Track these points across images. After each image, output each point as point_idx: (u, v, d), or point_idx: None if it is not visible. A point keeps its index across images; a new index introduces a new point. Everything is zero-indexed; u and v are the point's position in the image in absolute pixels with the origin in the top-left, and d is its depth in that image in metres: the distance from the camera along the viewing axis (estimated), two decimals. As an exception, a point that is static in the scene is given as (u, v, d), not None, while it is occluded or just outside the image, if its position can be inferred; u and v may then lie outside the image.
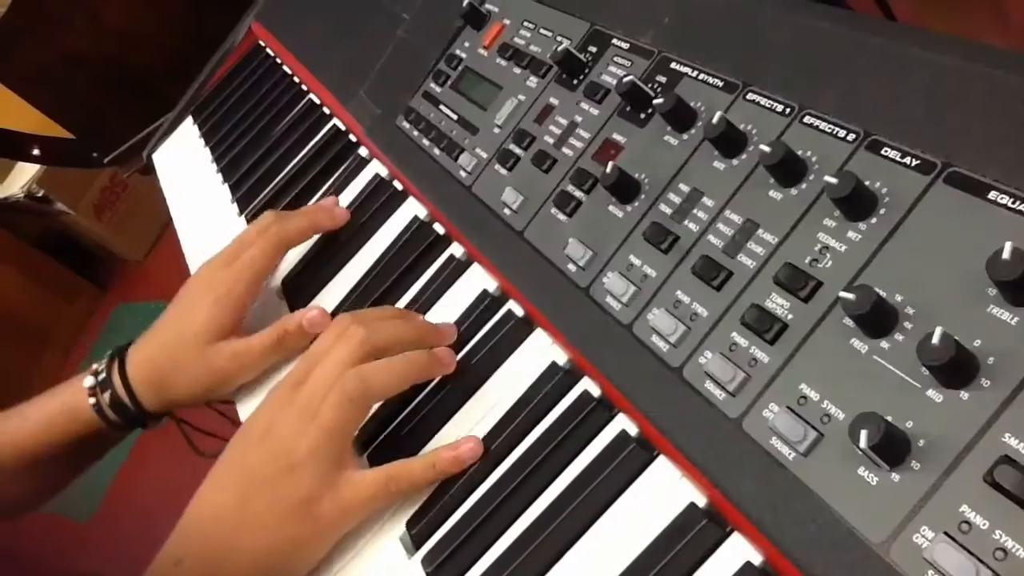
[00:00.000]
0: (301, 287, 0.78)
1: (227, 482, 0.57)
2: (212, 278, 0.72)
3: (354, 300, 0.73)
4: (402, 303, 0.69)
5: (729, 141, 0.48)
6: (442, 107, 0.73)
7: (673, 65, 0.55)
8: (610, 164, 0.53)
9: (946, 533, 0.33)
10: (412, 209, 0.74)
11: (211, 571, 0.54)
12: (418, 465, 0.56)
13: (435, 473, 0.55)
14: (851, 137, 0.43)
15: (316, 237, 0.80)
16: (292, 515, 0.53)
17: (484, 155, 0.66)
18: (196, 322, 0.69)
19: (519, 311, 0.60)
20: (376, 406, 0.62)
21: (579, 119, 0.59)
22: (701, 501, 0.44)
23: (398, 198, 0.76)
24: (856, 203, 0.41)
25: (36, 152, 1.65)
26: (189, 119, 1.22)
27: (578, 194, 0.57)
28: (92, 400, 0.71)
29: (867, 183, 0.41)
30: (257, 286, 0.73)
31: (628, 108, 0.56)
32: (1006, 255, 0.33)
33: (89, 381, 0.72)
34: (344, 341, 0.58)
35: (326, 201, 0.81)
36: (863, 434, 0.35)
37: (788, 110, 0.47)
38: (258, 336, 0.70)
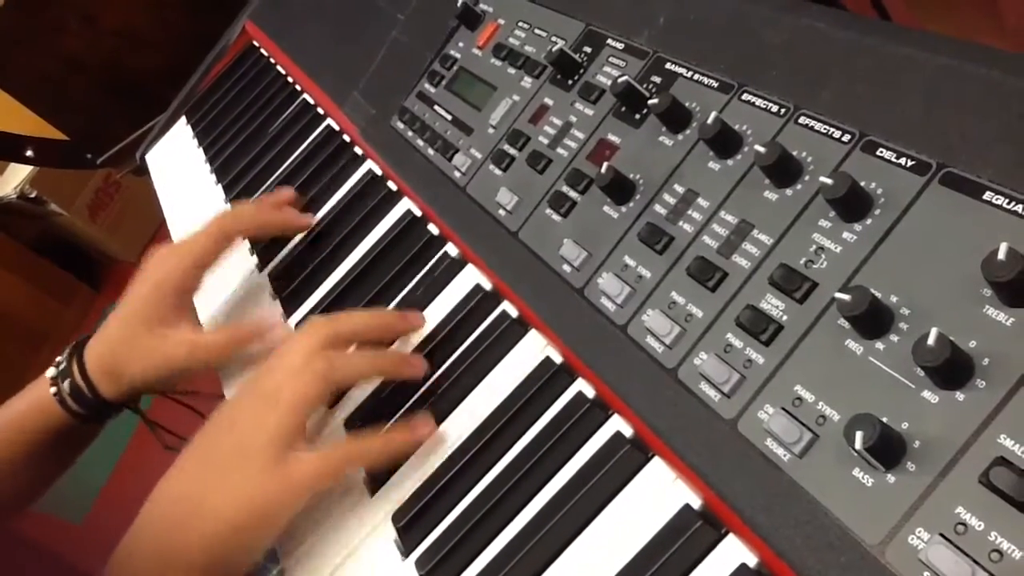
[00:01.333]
0: (295, 288, 0.78)
1: (187, 468, 0.58)
2: (153, 267, 0.74)
3: (347, 299, 0.72)
4: (395, 303, 0.69)
5: (724, 142, 0.48)
6: (436, 107, 0.73)
7: (668, 65, 0.54)
8: (605, 164, 0.53)
9: (942, 535, 0.33)
10: (406, 209, 0.74)
11: (163, 556, 0.55)
12: (372, 441, 0.57)
13: (390, 450, 0.57)
14: (846, 138, 0.43)
15: (311, 238, 0.80)
16: (242, 498, 0.54)
17: (479, 155, 0.66)
18: (137, 307, 0.71)
19: (513, 312, 0.59)
20: (370, 407, 0.62)
21: (574, 119, 0.59)
22: (696, 502, 0.44)
23: (392, 199, 0.76)
24: (851, 204, 0.40)
25: (29, 153, 1.64)
26: (182, 119, 1.21)
27: (573, 195, 0.57)
28: (53, 390, 0.72)
29: (862, 184, 0.41)
30: (197, 271, 0.74)
31: (623, 108, 0.56)
32: (1001, 256, 0.33)
33: (51, 372, 0.73)
34: (308, 332, 0.59)
35: (285, 194, 0.83)
36: (858, 435, 0.35)
37: (783, 110, 0.46)
38: (212, 334, 0.72)
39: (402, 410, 0.61)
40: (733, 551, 0.42)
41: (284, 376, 0.57)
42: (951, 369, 0.34)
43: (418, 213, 0.72)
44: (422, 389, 0.61)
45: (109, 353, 0.71)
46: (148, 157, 1.22)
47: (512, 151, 0.63)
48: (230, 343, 0.70)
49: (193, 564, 0.54)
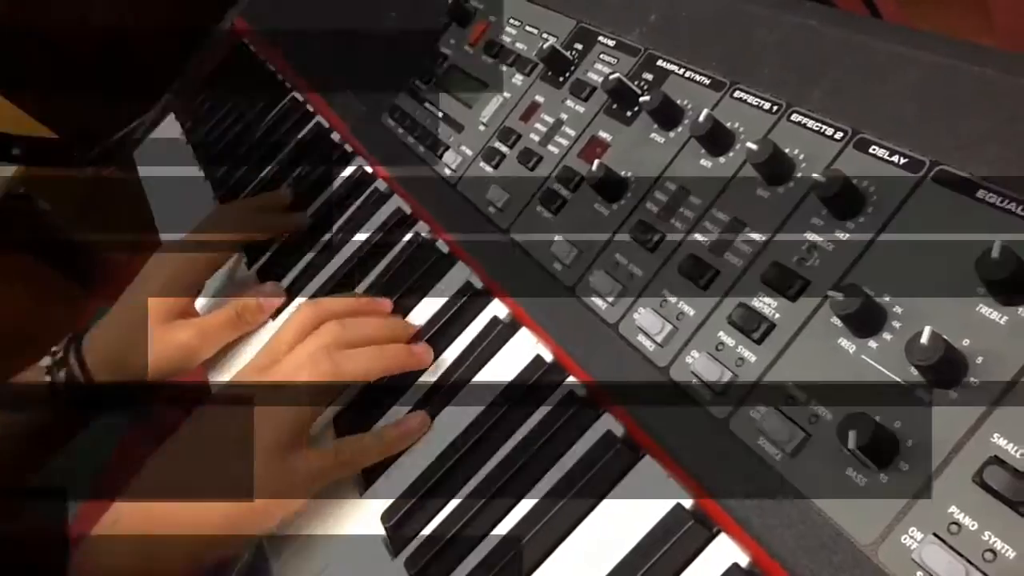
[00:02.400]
0: (284, 286, 0.77)
1: (180, 450, 0.57)
2: (163, 262, 0.75)
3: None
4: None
5: (716, 139, 0.48)
6: (427, 105, 0.73)
7: (660, 62, 0.54)
8: (596, 162, 0.53)
9: (935, 534, 0.33)
10: (396, 207, 0.73)
11: (152, 536, 0.54)
12: (368, 439, 0.57)
13: (384, 447, 0.57)
14: (839, 135, 0.43)
15: (299, 235, 0.80)
16: (240, 492, 0.53)
17: (469, 153, 0.66)
18: (150, 303, 0.72)
19: (504, 310, 0.59)
20: (359, 407, 0.62)
21: (565, 117, 0.59)
22: (687, 502, 0.44)
23: (381, 196, 0.76)
24: (844, 201, 0.40)
25: (16, 152, 1.63)
26: (171, 116, 1.21)
27: (564, 192, 0.56)
28: (48, 379, 0.72)
29: (855, 181, 0.41)
30: (208, 271, 0.76)
31: (614, 106, 0.56)
32: (995, 254, 0.33)
33: (46, 361, 0.74)
34: (317, 336, 0.59)
35: (282, 196, 0.84)
36: (851, 435, 0.35)
37: (775, 108, 0.46)
38: (216, 313, 0.73)
39: (391, 409, 0.60)
40: (725, 551, 0.41)
41: (290, 373, 0.57)
42: (945, 368, 0.34)
43: (408, 211, 0.72)
44: (412, 391, 0.60)
45: (116, 343, 0.72)
46: (137, 154, 1.21)
47: (503, 148, 0.62)
48: (235, 317, 0.72)
49: (183, 547, 0.54)
